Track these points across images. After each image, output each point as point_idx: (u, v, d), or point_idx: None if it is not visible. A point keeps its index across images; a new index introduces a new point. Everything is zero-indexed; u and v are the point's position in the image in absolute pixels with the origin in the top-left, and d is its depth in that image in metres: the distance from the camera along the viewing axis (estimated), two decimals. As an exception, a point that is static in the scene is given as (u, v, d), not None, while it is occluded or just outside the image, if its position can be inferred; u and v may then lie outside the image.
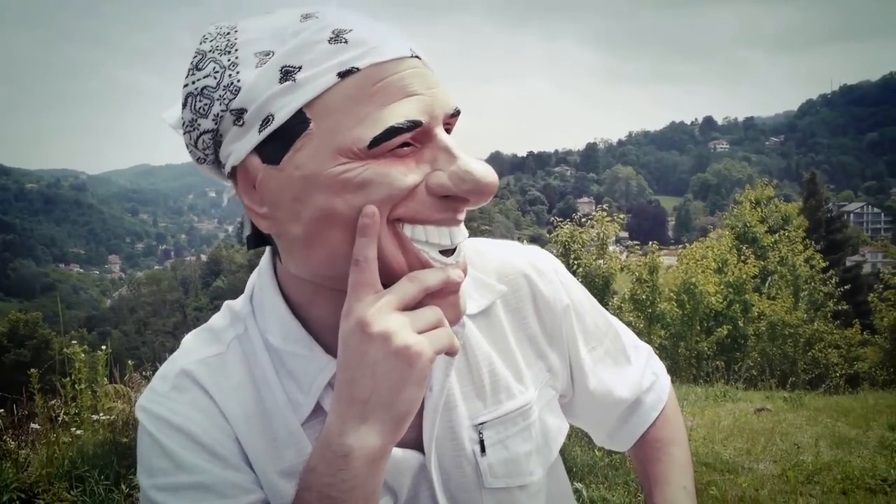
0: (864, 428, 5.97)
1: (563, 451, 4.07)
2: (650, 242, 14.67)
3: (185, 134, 0.67)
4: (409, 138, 0.62)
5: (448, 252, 0.65)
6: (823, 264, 18.83)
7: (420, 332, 0.62)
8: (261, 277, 0.76)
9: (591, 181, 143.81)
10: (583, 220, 13.66)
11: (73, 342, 4.05)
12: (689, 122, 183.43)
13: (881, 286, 15.95)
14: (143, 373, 4.57)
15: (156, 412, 0.71)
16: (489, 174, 0.63)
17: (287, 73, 0.62)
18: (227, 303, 0.80)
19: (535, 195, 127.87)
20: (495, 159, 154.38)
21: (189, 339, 0.78)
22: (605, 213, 13.50)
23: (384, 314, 0.61)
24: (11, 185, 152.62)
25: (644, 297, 13.24)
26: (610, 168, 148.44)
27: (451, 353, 0.64)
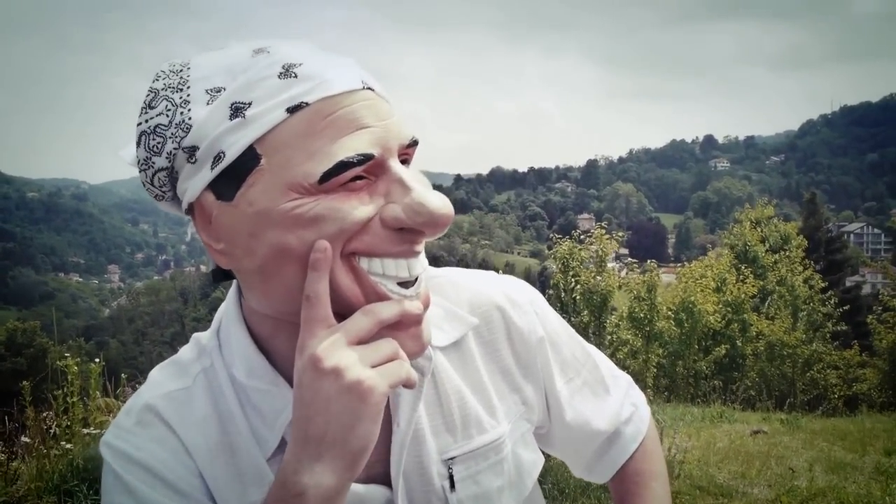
0: (860, 453, 5.94)
1: (555, 473, 4.06)
2: (649, 260, 14.67)
3: (140, 172, 0.67)
4: (362, 171, 0.61)
5: (408, 284, 0.65)
6: (822, 285, 18.81)
7: (374, 366, 0.61)
8: (227, 311, 0.75)
9: (592, 197, 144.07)
10: (582, 236, 13.66)
11: (67, 355, 4.04)
12: (689, 140, 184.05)
13: (880, 307, 15.89)
14: (137, 385, 4.56)
15: (119, 448, 0.70)
16: (444, 206, 0.62)
17: (237, 110, 0.62)
18: (195, 335, 0.79)
19: (536, 211, 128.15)
20: (496, 174, 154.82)
21: (155, 373, 0.77)
22: (604, 231, 13.52)
23: (336, 349, 0.60)
24: (13, 194, 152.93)
25: (642, 315, 13.21)
26: (610, 185, 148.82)
27: (407, 385, 0.63)
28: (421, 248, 0.66)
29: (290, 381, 0.70)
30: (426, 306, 0.67)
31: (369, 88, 0.65)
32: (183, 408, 0.72)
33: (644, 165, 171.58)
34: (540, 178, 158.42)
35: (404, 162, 0.66)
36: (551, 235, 14.84)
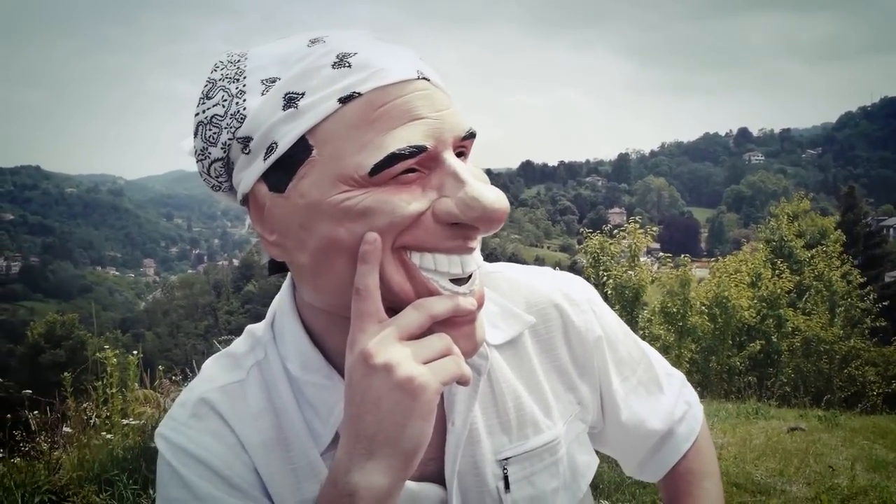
0: (902, 451, 5.80)
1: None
2: (682, 255, 14.48)
3: (197, 162, 0.67)
4: (414, 164, 0.60)
5: (461, 281, 0.63)
6: (861, 280, 18.38)
7: (426, 362, 0.59)
8: (281, 303, 0.75)
9: (623, 192, 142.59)
10: (614, 231, 13.54)
11: (106, 347, 4.13)
12: (723, 133, 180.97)
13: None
14: (173, 378, 4.64)
15: (174, 441, 0.70)
16: (498, 201, 0.60)
17: (290, 100, 0.61)
18: (248, 327, 0.79)
19: (566, 205, 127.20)
20: (526, 168, 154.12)
21: (209, 365, 0.77)
22: (637, 225, 13.37)
23: (387, 345, 0.59)
24: (52, 190, 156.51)
25: (675, 310, 13.05)
26: (642, 179, 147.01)
27: (461, 382, 0.61)
28: (475, 244, 0.64)
29: (343, 375, 0.69)
30: (480, 304, 0.65)
31: (425, 78, 0.63)
32: (237, 401, 0.72)
33: (676, 159, 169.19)
34: (570, 172, 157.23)
35: (461, 154, 0.64)
36: (581, 230, 14.74)
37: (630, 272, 12.48)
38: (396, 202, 0.59)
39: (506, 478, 0.73)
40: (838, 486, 4.43)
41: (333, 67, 0.61)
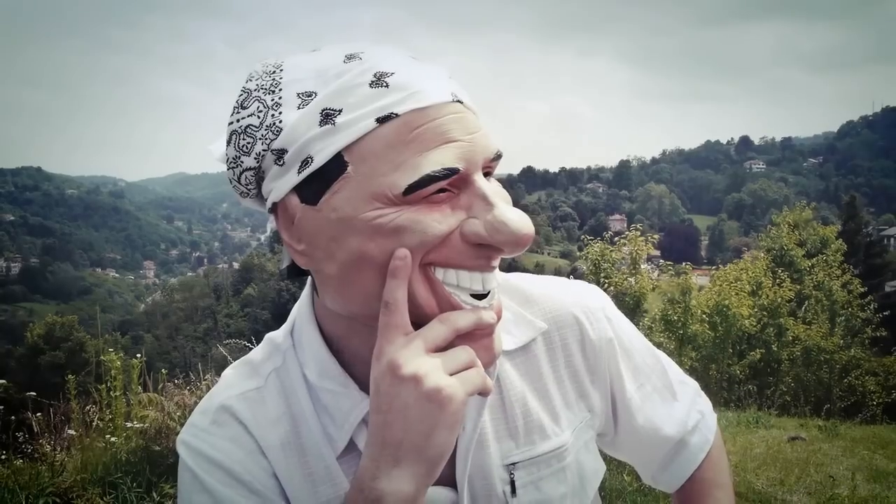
0: (903, 461, 5.79)
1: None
2: (683, 262, 14.49)
3: (228, 170, 0.69)
4: (446, 185, 0.62)
5: (480, 296, 0.65)
6: (862, 289, 18.38)
7: (452, 374, 0.61)
8: (301, 310, 0.77)
9: (624, 199, 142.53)
10: (615, 238, 13.55)
11: (110, 350, 4.14)
12: (724, 141, 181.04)
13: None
14: (176, 381, 4.64)
15: (196, 447, 0.72)
16: (525, 226, 0.62)
17: (328, 116, 0.62)
18: (268, 335, 0.81)
19: (567, 211, 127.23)
20: (527, 174, 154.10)
21: (229, 373, 0.79)
22: (638, 232, 13.38)
23: (415, 356, 0.61)
24: (53, 191, 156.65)
25: (675, 317, 13.05)
26: (643, 186, 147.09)
27: (484, 393, 0.64)
28: (497, 263, 0.66)
29: (359, 382, 0.71)
30: (499, 318, 0.67)
31: (459, 101, 0.65)
32: (257, 408, 0.74)
33: (677, 167, 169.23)
34: (571, 178, 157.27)
35: (487, 174, 0.66)
36: (582, 236, 14.76)
37: (631, 279, 12.49)
38: (428, 222, 0.61)
39: (512, 482, 0.75)
40: (839, 497, 4.43)
41: (371, 86, 0.62)
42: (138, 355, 4.39)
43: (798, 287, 16.80)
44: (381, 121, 0.62)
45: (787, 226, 19.46)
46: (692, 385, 0.96)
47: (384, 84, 0.62)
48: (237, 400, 0.74)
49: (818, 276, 17.64)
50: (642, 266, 13.26)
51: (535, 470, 0.76)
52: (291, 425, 0.73)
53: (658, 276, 14.75)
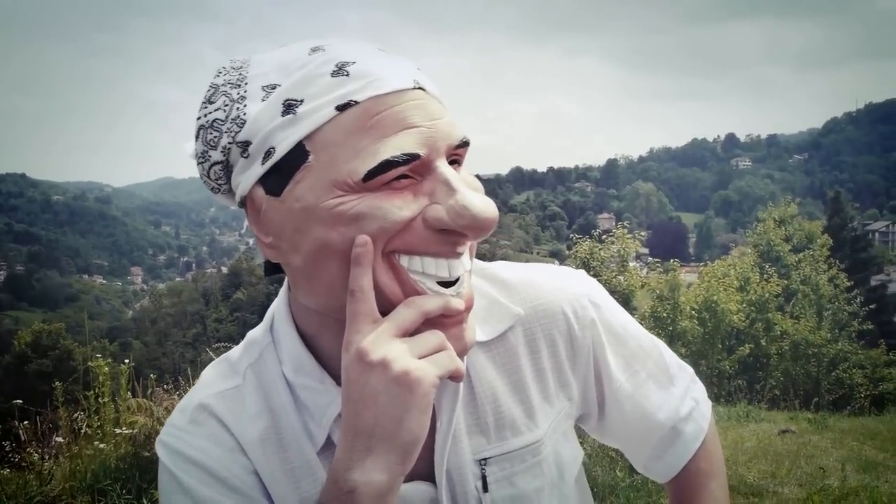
0: (891, 451, 5.85)
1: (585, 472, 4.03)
2: (671, 260, 14.59)
3: (198, 165, 0.69)
4: (407, 171, 0.61)
5: (448, 284, 0.65)
6: (848, 284, 18.58)
7: (421, 357, 0.61)
8: (278, 306, 0.77)
9: (612, 197, 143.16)
10: (602, 236, 13.62)
11: (98, 356, 4.10)
12: (710, 139, 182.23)
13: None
14: (165, 386, 4.61)
15: (173, 446, 0.71)
16: (487, 210, 0.62)
17: (289, 107, 0.63)
18: (249, 333, 0.80)
19: (555, 210, 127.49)
20: (515, 174, 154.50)
21: (207, 372, 0.79)
22: (626, 230, 13.46)
23: (382, 342, 0.60)
24: (38, 197, 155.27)
25: (665, 314, 13.14)
26: (630, 184, 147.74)
27: (455, 377, 0.63)
28: (463, 249, 0.65)
29: (335, 377, 0.70)
30: (469, 306, 0.66)
31: (421, 88, 0.65)
32: (236, 405, 0.73)
33: (664, 165, 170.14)
34: (559, 177, 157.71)
35: (454, 163, 0.66)
36: (571, 235, 14.81)
37: (620, 277, 12.57)
38: (388, 207, 0.61)
39: (484, 478, 0.74)
40: (829, 487, 4.45)
41: (332, 76, 0.63)
42: (126, 361, 4.35)
43: (785, 282, 16.96)
44: (341, 108, 0.62)
45: (773, 222, 19.64)
46: (689, 371, 0.93)
47: (345, 73, 0.63)
48: (216, 398, 0.73)
49: (805, 270, 17.82)
50: (631, 264, 13.36)
51: (508, 465, 0.75)
52: (271, 421, 0.72)
53: (647, 273, 14.83)
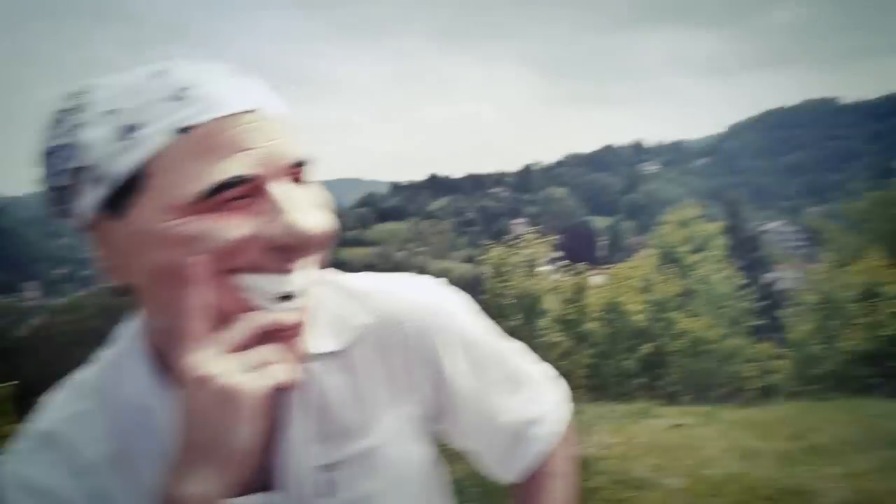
0: (770, 439, 6.25)
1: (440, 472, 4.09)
2: (581, 263, 15.04)
3: (42, 191, 0.69)
4: (241, 192, 0.63)
5: (287, 298, 0.67)
6: (743, 282, 19.64)
7: (251, 370, 0.63)
8: (128, 326, 0.78)
9: (527, 203, 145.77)
10: (512, 242, 13.93)
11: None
12: (620, 145, 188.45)
13: (794, 302, 16.76)
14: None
15: (15, 473, 0.71)
16: (316, 227, 0.64)
17: (127, 132, 0.64)
18: (99, 353, 0.80)
19: (471, 217, 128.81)
20: (432, 181, 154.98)
21: (54, 396, 0.78)
22: (535, 236, 13.83)
23: (209, 358, 0.62)
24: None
25: (572, 317, 13.53)
26: (544, 190, 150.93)
27: (285, 388, 0.65)
28: (299, 264, 0.67)
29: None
30: (305, 319, 0.69)
31: (261, 109, 0.67)
32: (82, 427, 0.73)
33: (576, 170, 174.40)
34: (476, 184, 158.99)
35: (297, 181, 0.68)
36: (483, 242, 15.07)
37: (529, 281, 12.89)
38: (219, 228, 0.62)
39: (326, 484, 0.76)
40: (709, 476, 4.75)
41: (171, 100, 0.64)
42: (13, 382, 4.17)
43: (685, 282, 17.77)
44: (179, 132, 0.64)
45: (673, 224, 20.54)
46: (542, 374, 0.95)
47: (183, 97, 0.64)
48: (63, 423, 0.73)
49: (702, 271, 18.71)
50: (542, 268, 13.72)
51: (349, 470, 0.78)
52: (120, 441, 0.72)
53: (559, 276, 15.22)
